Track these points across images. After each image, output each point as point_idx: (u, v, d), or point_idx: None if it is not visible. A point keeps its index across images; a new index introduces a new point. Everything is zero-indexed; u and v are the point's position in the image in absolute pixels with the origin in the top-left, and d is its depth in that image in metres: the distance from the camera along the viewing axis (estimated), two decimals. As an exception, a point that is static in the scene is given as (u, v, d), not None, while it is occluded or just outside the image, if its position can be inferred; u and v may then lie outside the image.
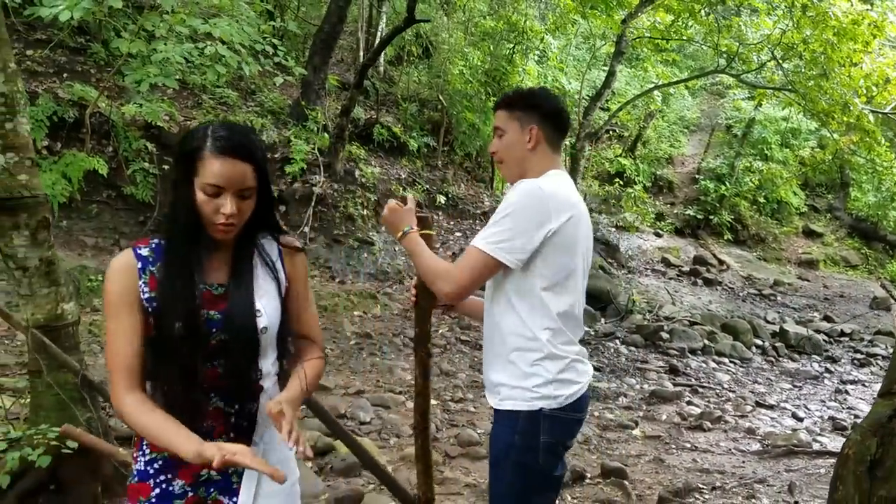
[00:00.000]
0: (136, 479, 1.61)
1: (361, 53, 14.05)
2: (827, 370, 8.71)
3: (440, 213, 13.26)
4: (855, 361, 9.29)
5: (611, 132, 17.78)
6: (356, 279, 10.39)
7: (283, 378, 1.68)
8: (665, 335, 8.82)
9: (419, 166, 13.46)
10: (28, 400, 3.56)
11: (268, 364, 1.65)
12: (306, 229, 10.36)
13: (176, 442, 1.47)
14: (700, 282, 12.67)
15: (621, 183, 15.84)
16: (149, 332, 1.54)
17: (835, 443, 5.70)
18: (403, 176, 12.78)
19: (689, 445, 5.35)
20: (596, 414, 6.17)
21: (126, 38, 7.53)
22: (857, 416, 6.84)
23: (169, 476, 1.59)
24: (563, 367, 2.04)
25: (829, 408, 7.07)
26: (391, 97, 14.35)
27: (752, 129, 16.76)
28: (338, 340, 7.84)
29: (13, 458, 3.08)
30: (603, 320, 9.82)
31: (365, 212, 11.34)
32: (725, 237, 15.30)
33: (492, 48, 14.68)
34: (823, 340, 9.91)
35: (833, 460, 5.10)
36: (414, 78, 14.91)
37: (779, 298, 12.66)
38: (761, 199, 16.29)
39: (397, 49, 15.23)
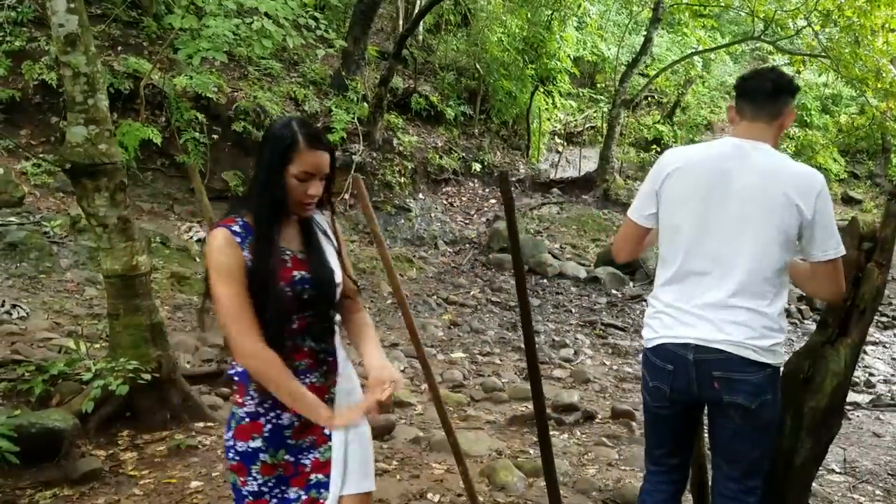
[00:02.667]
0: (246, 420, 1.85)
1: (401, 22, 14.36)
2: (850, 333, 8.92)
3: (476, 181, 13.62)
4: (879, 324, 9.45)
5: (650, 98, 17.81)
6: (393, 244, 10.87)
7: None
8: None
9: (455, 134, 13.79)
10: (105, 342, 4.09)
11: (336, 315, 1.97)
12: (346, 196, 10.82)
13: (307, 407, 1.80)
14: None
15: (658, 150, 15.92)
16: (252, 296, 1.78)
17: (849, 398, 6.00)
18: (440, 144, 13.14)
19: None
20: (615, 367, 6.57)
21: (178, 13, 8.00)
22: (871, 375, 7.09)
23: (279, 411, 1.84)
24: (651, 313, 2.31)
25: (845, 367, 7.32)
26: (429, 66, 14.63)
27: (790, 95, 16.59)
28: (375, 300, 8.34)
29: (97, 387, 3.63)
30: (632, 284, 10.13)
31: (402, 179, 11.76)
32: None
33: (529, 15, 14.79)
34: (850, 305, 10.06)
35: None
36: (452, 46, 15.13)
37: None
38: (800, 166, 16.21)
39: (436, 17, 15.45)
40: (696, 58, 15.36)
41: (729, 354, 2.10)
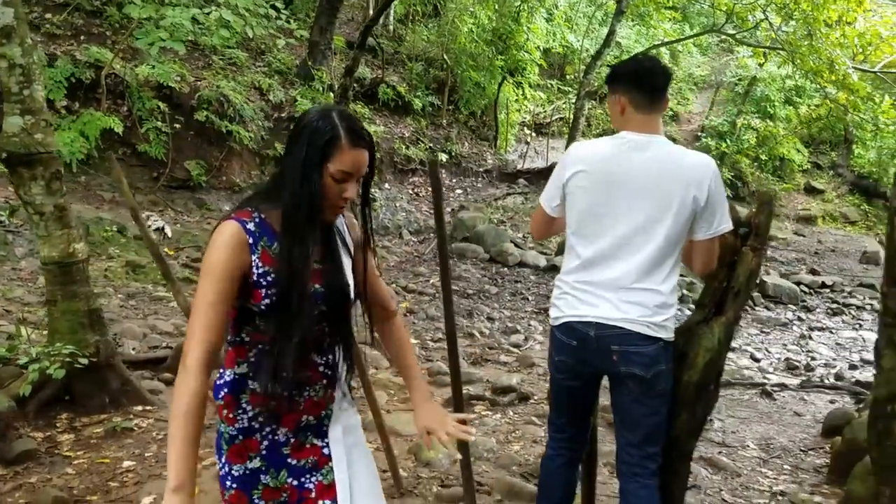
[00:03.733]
0: (239, 438, 1.66)
1: (371, 12, 14.40)
2: (799, 318, 9.17)
3: (443, 171, 13.74)
4: (829, 311, 9.74)
5: (617, 90, 17.97)
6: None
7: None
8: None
9: (423, 125, 13.89)
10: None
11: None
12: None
13: (170, 461, 1.49)
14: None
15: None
16: (257, 301, 1.59)
17: (782, 379, 6.23)
18: (407, 135, 13.24)
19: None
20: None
21: (137, 3, 8.03)
22: (813, 359, 7.34)
23: (273, 426, 1.67)
24: (557, 294, 2.48)
25: (788, 351, 7.56)
26: (398, 56, 14.70)
27: (754, 86, 16.90)
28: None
29: (34, 370, 3.73)
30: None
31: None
32: (726, 194, 15.59)
33: (498, 7, 14.90)
34: (803, 291, 10.33)
35: (759, 390, 5.65)
36: (422, 37, 15.21)
37: (769, 252, 13.05)
38: (763, 157, 16.52)
39: (406, 7, 15.53)
40: (663, 49, 15.55)
41: (625, 330, 2.30)
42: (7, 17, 3.61)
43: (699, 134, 16.95)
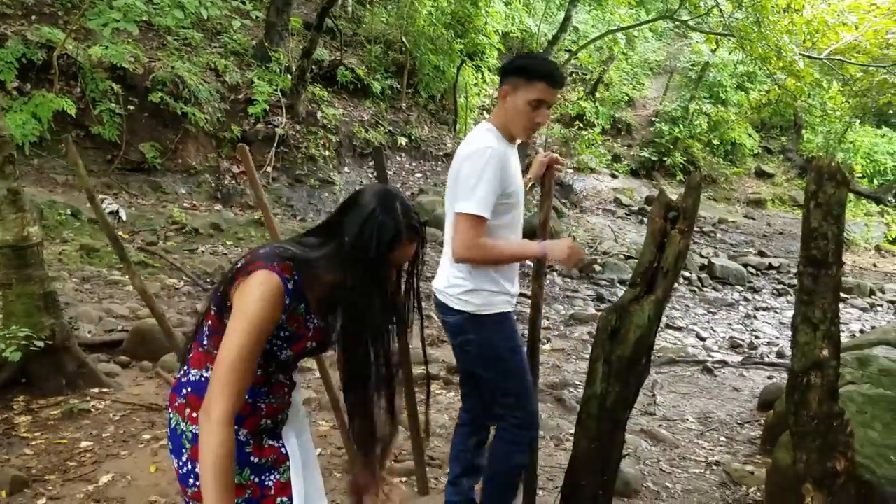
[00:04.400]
0: None
1: (329, -7, 14.32)
2: (745, 299, 9.53)
3: (402, 155, 13.80)
4: (774, 291, 10.11)
5: (574, 75, 18.20)
6: (317, 217, 10.99)
7: None
8: (598, 268, 9.57)
9: (383, 108, 13.89)
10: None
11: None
12: (269, 169, 10.91)
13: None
14: (646, 220, 13.39)
15: (580, 125, 16.36)
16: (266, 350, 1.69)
17: (725, 357, 6.51)
18: (366, 118, 13.24)
19: (587, 356, 6.14)
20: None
21: (89, -18, 7.92)
22: (757, 337, 7.65)
23: (236, 427, 1.67)
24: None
25: (734, 330, 7.87)
26: (357, 39, 14.65)
27: (707, 72, 17.27)
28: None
29: (-11, 354, 3.75)
30: (547, 254, 10.52)
31: (327, 153, 11.86)
32: (678, 178, 15.98)
33: (456, -10, 14.91)
34: (750, 273, 10.71)
35: (700, 367, 5.90)
36: (381, 19, 15.17)
37: (718, 235, 13.46)
38: (715, 142, 16.93)
39: (366, -12, 15.46)
40: (619, 35, 15.77)
41: (438, 300, 2.71)
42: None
43: (653, 119, 17.27)
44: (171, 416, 1.76)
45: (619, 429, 2.78)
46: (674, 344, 6.93)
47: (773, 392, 4.85)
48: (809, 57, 12.56)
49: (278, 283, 1.60)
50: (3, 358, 3.76)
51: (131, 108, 9.71)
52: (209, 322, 1.73)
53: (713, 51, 16.16)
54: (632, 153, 16.58)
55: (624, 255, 10.52)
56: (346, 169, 12.31)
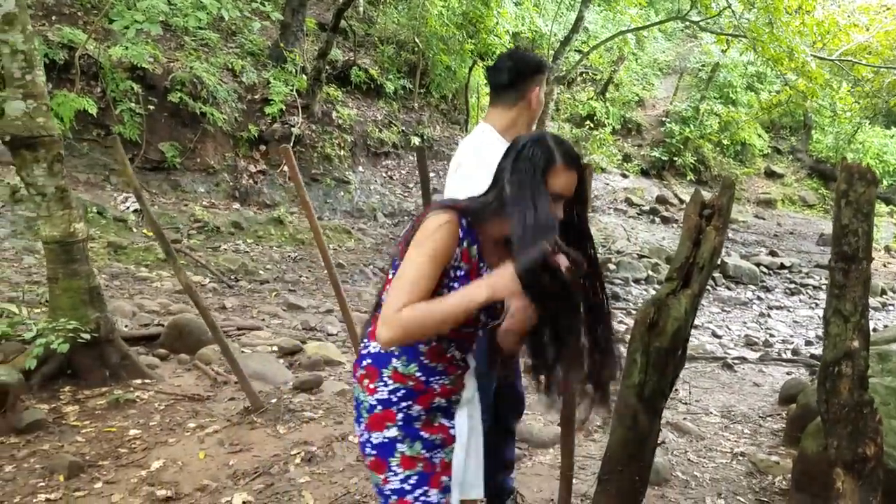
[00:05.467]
0: (378, 408, 1.77)
1: (341, -6, 14.45)
2: (758, 298, 9.63)
3: (415, 155, 13.91)
4: (787, 291, 10.21)
5: (584, 75, 18.31)
6: (333, 216, 11.14)
7: None
8: (612, 266, 9.68)
9: (395, 108, 14.02)
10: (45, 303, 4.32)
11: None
12: (285, 169, 11.02)
13: (458, 300, 1.59)
14: (658, 220, 13.50)
15: (591, 125, 16.46)
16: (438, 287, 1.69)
17: (740, 354, 6.62)
18: (379, 118, 13.37)
19: (609, 353, 6.27)
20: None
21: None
22: (772, 335, 7.76)
23: (409, 402, 1.78)
24: None
25: (748, 328, 7.98)
26: (369, 39, 14.77)
27: (717, 73, 17.36)
28: (313, 269, 8.64)
29: (39, 345, 3.88)
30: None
31: (342, 152, 11.99)
32: (688, 178, 16.09)
33: (468, -10, 15.03)
34: (762, 272, 10.82)
35: (720, 363, 6.01)
36: (393, 19, 15.29)
37: (730, 235, 13.56)
38: (725, 142, 17.02)
39: (377, -11, 15.59)
40: (629, 35, 15.87)
41: None
42: (9, 5, 3.73)
43: (663, 119, 17.37)
44: (355, 386, 1.85)
45: (657, 417, 2.90)
46: (691, 341, 7.02)
47: (794, 387, 4.96)
48: (820, 58, 12.66)
49: (451, 216, 1.66)
50: (51, 349, 3.89)
51: (151, 107, 9.86)
52: (387, 289, 1.73)
53: (723, 51, 16.26)
54: (642, 153, 16.68)
55: (637, 254, 10.63)
56: (360, 168, 12.45)
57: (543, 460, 3.74)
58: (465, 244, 1.70)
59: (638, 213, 13.86)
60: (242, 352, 4.93)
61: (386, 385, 1.78)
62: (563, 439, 3.18)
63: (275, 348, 5.15)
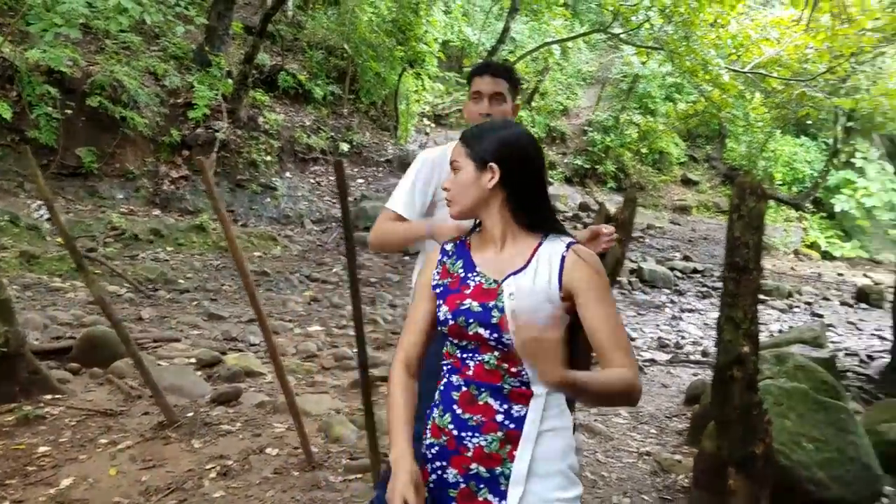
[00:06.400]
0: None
1: (269, -2, 14.33)
2: (671, 301, 10.04)
3: (345, 161, 13.88)
4: (699, 294, 10.68)
5: (512, 83, 18.62)
6: (258, 222, 11.03)
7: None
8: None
9: (324, 114, 13.96)
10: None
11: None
12: (210, 174, 10.84)
13: (392, 433, 1.58)
14: (580, 226, 13.87)
15: (518, 133, 16.74)
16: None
17: (653, 356, 6.91)
18: (308, 123, 13.30)
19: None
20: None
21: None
22: (683, 337, 8.11)
23: (444, 464, 1.61)
24: None
25: (661, 331, 8.32)
26: (298, 44, 14.67)
27: (637, 84, 17.99)
28: (236, 278, 8.52)
29: (-58, 361, 3.76)
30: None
31: (268, 158, 11.88)
32: (609, 185, 16.59)
33: (397, -2, 15.13)
34: (676, 276, 11.28)
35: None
36: (322, 24, 15.23)
37: (647, 240, 14.06)
38: (644, 150, 17.64)
39: (306, -7, 15.50)
40: (554, 46, 16.25)
41: None
42: None
43: (586, 128, 17.86)
44: None
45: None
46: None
47: (699, 387, 5.23)
48: (734, 70, 13.27)
49: (435, 250, 1.76)
50: (-46, 366, 3.77)
51: (69, 112, 9.57)
52: None
53: (643, 63, 16.83)
54: (566, 161, 17.10)
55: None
56: (287, 174, 12.35)
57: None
58: (441, 263, 1.72)
59: (562, 220, 14.20)
60: (159, 364, 4.86)
61: (426, 437, 1.68)
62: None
63: (193, 360, 5.10)
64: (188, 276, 8.07)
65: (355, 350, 5.91)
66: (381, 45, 14.70)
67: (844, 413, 3.64)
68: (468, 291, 1.61)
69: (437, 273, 1.69)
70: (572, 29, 17.85)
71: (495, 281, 1.60)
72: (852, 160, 18.78)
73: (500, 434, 1.56)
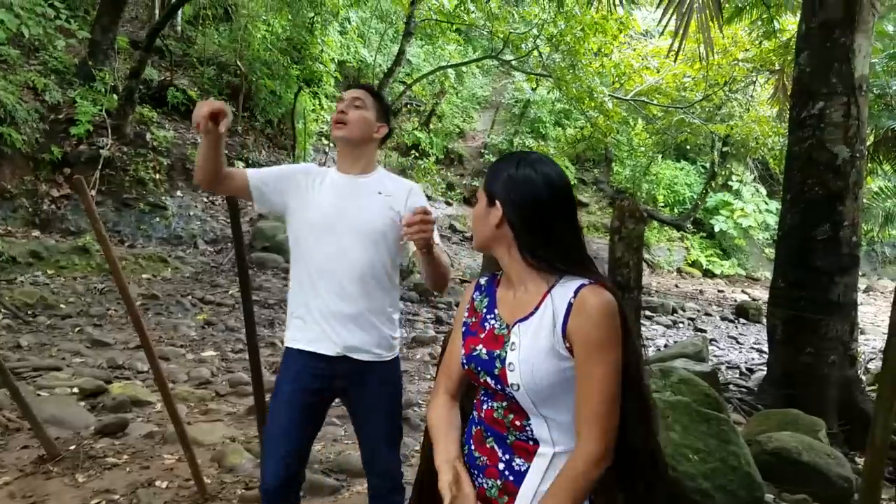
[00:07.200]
0: None
1: (157, 11, 13.87)
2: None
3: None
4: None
5: (409, 106, 18.86)
6: (147, 243, 10.59)
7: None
8: (436, 292, 10.05)
9: (218, 131, 13.57)
10: None
11: (543, 430, 1.50)
12: (93, 193, 10.34)
13: (435, 446, 1.61)
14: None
15: (416, 154, 16.96)
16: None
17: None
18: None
19: (429, 377, 6.49)
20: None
21: None
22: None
23: (475, 409, 1.66)
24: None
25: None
26: (188, 59, 14.28)
27: (529, 109, 18.62)
28: (122, 302, 8.15)
29: None
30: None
31: (157, 176, 11.45)
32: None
33: (291, 17, 15.00)
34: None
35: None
36: (213, 40, 14.88)
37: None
38: (537, 173, 18.23)
39: (195, 8, 15.10)
40: (449, 70, 16.60)
41: None
42: None
43: (482, 150, 18.30)
44: None
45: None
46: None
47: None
48: (617, 98, 13.97)
49: (472, 285, 1.74)
50: None
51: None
52: None
53: (533, 89, 17.46)
54: (464, 182, 17.42)
55: (460, 279, 11.08)
56: (178, 193, 11.94)
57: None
58: (472, 300, 1.68)
59: (461, 240, 14.45)
60: (38, 395, 4.59)
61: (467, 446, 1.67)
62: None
63: (75, 390, 4.84)
64: (70, 301, 7.64)
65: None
66: (276, 63, 14.53)
67: (726, 424, 3.76)
68: (482, 335, 1.57)
69: (467, 310, 1.67)
70: (466, 54, 18.28)
71: (507, 326, 1.54)
72: (729, 183, 20.11)
73: (499, 482, 1.54)
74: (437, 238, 2.21)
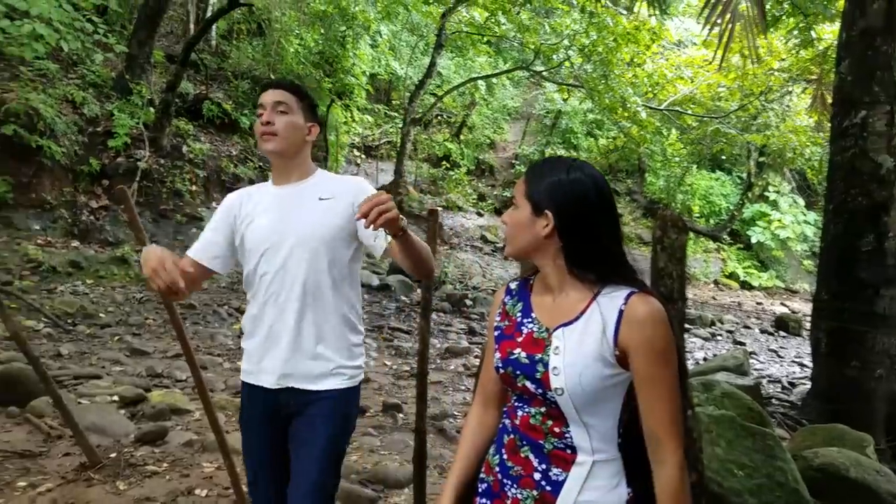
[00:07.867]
0: (480, 501, 1.63)
1: (192, 26, 14.11)
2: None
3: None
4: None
5: (440, 117, 18.92)
6: (184, 253, 10.70)
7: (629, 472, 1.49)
8: (469, 302, 10.00)
9: (252, 143, 13.74)
10: None
11: (583, 438, 1.47)
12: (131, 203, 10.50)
13: (454, 463, 1.68)
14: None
15: (447, 166, 17.00)
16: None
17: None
18: (234, 153, 13.08)
19: (464, 388, 6.46)
20: (395, 367, 7.14)
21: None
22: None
23: (487, 502, 1.59)
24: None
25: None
26: (223, 73, 14.50)
27: (560, 119, 18.54)
28: (160, 311, 8.24)
29: None
30: (418, 290, 10.85)
31: (193, 187, 11.61)
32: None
33: (324, 31, 15.19)
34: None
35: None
36: (247, 54, 15.11)
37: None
38: (569, 184, 18.14)
39: (229, 23, 15.34)
40: (479, 82, 16.62)
41: None
42: None
43: (513, 161, 18.26)
44: None
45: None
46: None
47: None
48: (651, 108, 13.85)
49: (502, 289, 1.70)
50: None
51: (-21, 140, 9.12)
52: None
53: (565, 100, 17.40)
54: (495, 193, 17.39)
55: (492, 290, 11.05)
56: (214, 204, 12.08)
57: (398, 500, 3.81)
58: (503, 304, 1.65)
59: (493, 251, 14.41)
60: (80, 402, 4.64)
61: (484, 478, 1.63)
62: (415, 479, 3.27)
63: (115, 398, 4.88)
64: (109, 310, 7.75)
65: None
66: (308, 77, 14.69)
67: (771, 439, 3.67)
68: (520, 339, 1.54)
69: (499, 314, 1.63)
70: (496, 66, 18.30)
71: (547, 330, 1.50)
72: (766, 193, 19.79)
73: (535, 493, 1.49)
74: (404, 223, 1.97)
